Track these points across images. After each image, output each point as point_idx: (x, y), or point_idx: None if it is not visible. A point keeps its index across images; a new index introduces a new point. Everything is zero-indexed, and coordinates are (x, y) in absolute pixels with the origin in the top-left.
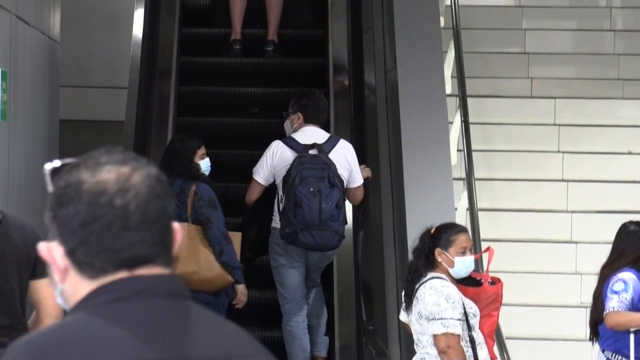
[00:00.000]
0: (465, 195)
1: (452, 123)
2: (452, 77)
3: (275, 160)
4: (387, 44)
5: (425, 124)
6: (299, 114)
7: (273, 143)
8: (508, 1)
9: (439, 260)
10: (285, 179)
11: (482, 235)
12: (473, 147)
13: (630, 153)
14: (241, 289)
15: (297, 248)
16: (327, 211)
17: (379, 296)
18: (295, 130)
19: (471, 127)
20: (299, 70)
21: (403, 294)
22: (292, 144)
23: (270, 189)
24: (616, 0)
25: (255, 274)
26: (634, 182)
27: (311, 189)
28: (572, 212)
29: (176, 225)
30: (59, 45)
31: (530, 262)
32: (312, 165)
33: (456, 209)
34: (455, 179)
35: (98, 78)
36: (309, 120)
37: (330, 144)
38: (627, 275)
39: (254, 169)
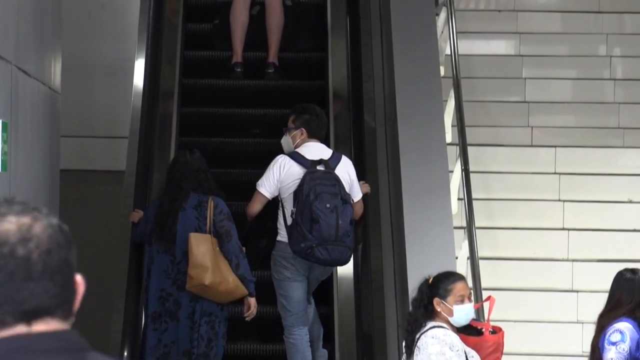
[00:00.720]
0: (466, 244)
1: (452, 172)
2: (452, 125)
3: (282, 174)
4: (387, 92)
5: (425, 172)
6: (303, 129)
7: (279, 157)
8: (508, 50)
9: (438, 309)
10: (296, 194)
11: (483, 284)
12: (474, 195)
13: (630, 202)
14: (253, 301)
15: (302, 262)
16: (343, 227)
17: (380, 345)
18: (297, 146)
19: (472, 175)
20: (299, 92)
21: (403, 344)
22: (299, 159)
23: (274, 202)
24: (616, 49)
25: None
26: (634, 230)
27: (327, 205)
28: (573, 260)
29: (79, 277)
30: (60, 96)
31: (532, 310)
32: (324, 181)
33: (457, 258)
34: (455, 227)
35: (99, 128)
36: (312, 135)
37: (335, 160)
38: (624, 325)
39: (259, 182)
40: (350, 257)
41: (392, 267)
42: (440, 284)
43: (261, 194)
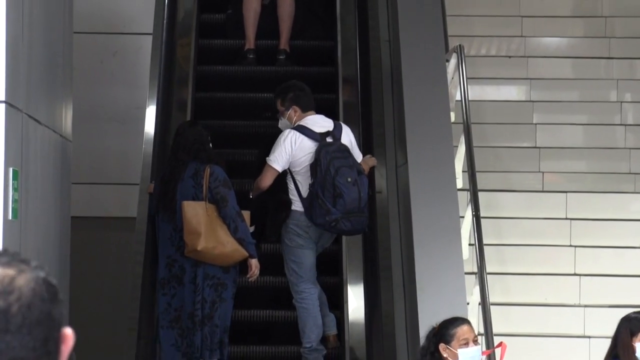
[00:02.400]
0: (477, 289)
1: (463, 217)
2: (463, 171)
3: (294, 149)
4: (398, 138)
5: (436, 217)
6: (294, 106)
7: (288, 132)
8: (519, 96)
9: (445, 355)
10: (313, 167)
11: (495, 330)
12: (485, 241)
13: None
14: (255, 262)
15: (315, 230)
16: (363, 198)
17: None
18: (296, 122)
19: (483, 221)
20: (310, 78)
21: None
22: (308, 132)
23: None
24: (627, 95)
25: (269, 260)
26: None
27: (349, 179)
28: (585, 306)
29: (68, 331)
30: (71, 143)
31: (544, 356)
32: (339, 154)
33: (468, 304)
34: (467, 273)
35: (110, 175)
36: (306, 109)
37: (338, 129)
38: None
39: (271, 157)
40: (367, 224)
41: (403, 312)
42: (445, 330)
43: (273, 168)
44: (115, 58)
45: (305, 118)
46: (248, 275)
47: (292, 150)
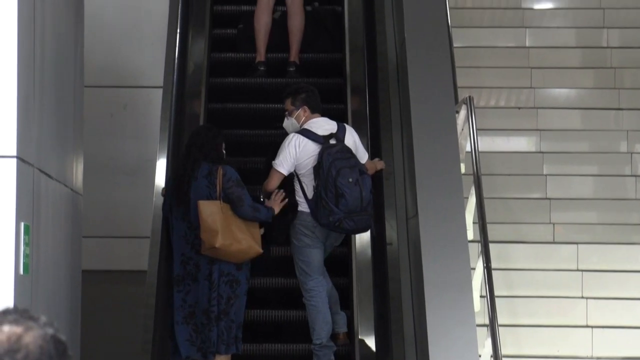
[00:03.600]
0: (489, 341)
1: (474, 269)
2: (473, 222)
3: (298, 152)
4: (408, 190)
5: (447, 270)
6: (304, 107)
7: (292, 136)
8: (529, 147)
9: None
10: (316, 169)
11: None
12: (496, 293)
13: None
14: (276, 208)
15: (321, 230)
16: (366, 198)
17: None
18: (303, 124)
19: (494, 272)
20: (319, 89)
21: None
22: (311, 136)
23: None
24: (637, 145)
25: (279, 262)
26: None
27: (350, 180)
28: (598, 358)
29: None
30: (82, 197)
31: None
32: (341, 155)
33: (480, 356)
34: (478, 325)
35: (120, 228)
36: (314, 110)
37: (342, 130)
38: None
39: (276, 162)
40: (372, 223)
41: None
42: None
43: (279, 172)
44: (126, 111)
45: (310, 121)
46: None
47: (296, 154)
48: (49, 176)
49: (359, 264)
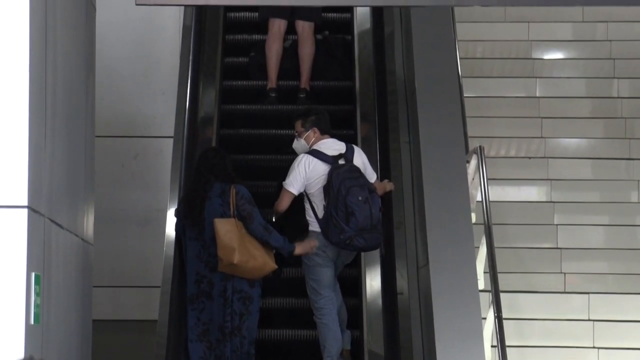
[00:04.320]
0: None
1: (485, 319)
2: (484, 272)
3: (308, 172)
4: (419, 239)
5: (458, 320)
6: (314, 128)
7: (302, 157)
8: (539, 197)
9: None
10: (326, 189)
11: None
12: (507, 342)
13: None
14: (298, 249)
15: (332, 249)
16: (375, 216)
17: None
18: (312, 145)
19: (505, 322)
20: (329, 115)
21: None
22: (321, 156)
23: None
24: None
25: (291, 283)
26: None
27: (360, 198)
28: None
29: None
30: (92, 247)
31: None
32: (350, 175)
33: None
34: None
35: (131, 277)
36: (324, 132)
37: (350, 151)
38: None
39: (287, 182)
40: (382, 241)
41: None
42: None
43: (289, 192)
44: (137, 161)
45: (320, 142)
46: (310, 246)
47: (306, 174)
48: (60, 226)
49: (369, 313)
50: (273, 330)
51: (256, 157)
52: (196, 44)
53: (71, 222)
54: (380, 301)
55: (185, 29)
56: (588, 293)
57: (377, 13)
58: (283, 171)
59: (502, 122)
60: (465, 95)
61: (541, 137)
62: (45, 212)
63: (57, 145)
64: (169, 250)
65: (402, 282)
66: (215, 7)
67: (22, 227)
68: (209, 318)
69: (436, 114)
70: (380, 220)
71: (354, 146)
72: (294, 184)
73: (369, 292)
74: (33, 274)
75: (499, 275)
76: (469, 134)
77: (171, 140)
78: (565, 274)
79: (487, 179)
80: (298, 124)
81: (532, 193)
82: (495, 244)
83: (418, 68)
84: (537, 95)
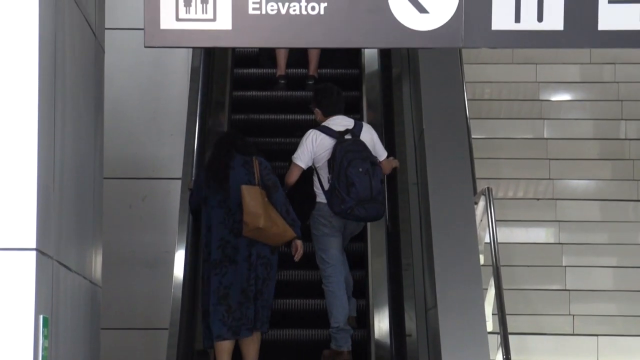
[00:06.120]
0: None
1: None
2: (493, 314)
3: (315, 146)
4: (427, 281)
5: None
6: (316, 109)
7: (310, 132)
8: (547, 238)
9: None
10: (330, 162)
11: None
12: None
13: None
14: (299, 243)
15: (338, 220)
16: (375, 187)
17: None
18: (321, 122)
19: None
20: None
21: None
22: (327, 131)
23: (308, 170)
24: None
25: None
26: None
27: (360, 169)
28: None
29: None
30: (100, 289)
31: None
32: (354, 148)
33: None
34: None
35: (139, 320)
36: (328, 113)
37: (358, 127)
38: None
39: (295, 156)
40: (384, 212)
41: None
42: None
43: (298, 165)
44: (145, 202)
45: (330, 118)
46: (295, 256)
47: (313, 148)
48: (68, 268)
49: (378, 358)
50: (286, 300)
51: (267, 140)
52: (204, 85)
53: (79, 264)
54: (389, 340)
55: (194, 70)
56: (597, 335)
57: (385, 54)
58: (292, 153)
59: (510, 164)
60: (473, 136)
61: (549, 179)
62: (53, 255)
63: (66, 187)
64: (177, 292)
65: (410, 324)
66: (223, 49)
67: (30, 269)
68: (230, 282)
69: (444, 155)
70: (382, 192)
71: (364, 123)
72: (301, 158)
73: (377, 332)
74: (41, 317)
75: (508, 317)
76: (477, 175)
77: (179, 182)
78: (573, 315)
79: (495, 221)
80: (312, 103)
81: (540, 234)
82: (504, 286)
83: (426, 109)
84: (545, 136)
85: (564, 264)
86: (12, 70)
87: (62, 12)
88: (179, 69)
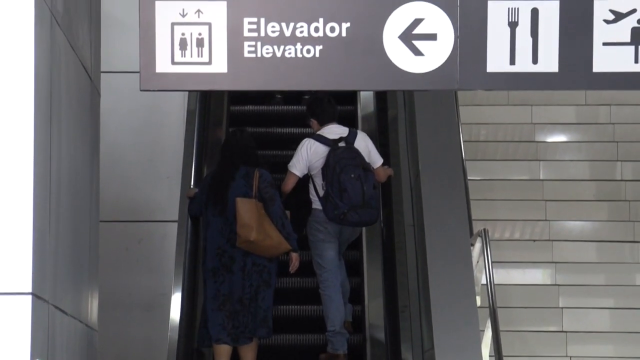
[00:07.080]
0: None
1: None
2: (490, 356)
3: (310, 154)
4: (424, 323)
5: None
6: (311, 119)
7: (305, 141)
8: (544, 280)
9: None
10: (324, 169)
11: None
12: None
13: None
14: (296, 255)
15: (334, 226)
16: (367, 192)
17: None
18: (317, 131)
19: None
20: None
21: None
22: (322, 139)
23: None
24: None
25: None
26: None
27: (352, 175)
28: None
29: None
30: (96, 332)
31: None
32: (346, 155)
33: None
34: None
35: None
36: (323, 122)
37: (352, 135)
38: None
39: (290, 164)
40: (378, 217)
41: None
42: None
43: (293, 173)
44: (141, 245)
45: (325, 127)
46: (290, 268)
47: (307, 156)
48: (64, 312)
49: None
50: (285, 307)
51: (264, 152)
52: (200, 127)
53: (75, 307)
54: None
55: (190, 113)
56: None
57: (381, 96)
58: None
59: (506, 205)
60: (469, 177)
61: (545, 220)
62: (49, 299)
63: (62, 230)
64: (174, 335)
65: None
66: (219, 91)
67: (26, 314)
68: (228, 290)
69: (440, 196)
70: (375, 197)
71: (359, 131)
72: (296, 166)
73: (372, 335)
74: None
75: (505, 359)
76: (473, 216)
77: (175, 225)
78: (570, 357)
79: (492, 262)
80: (307, 114)
81: (537, 276)
82: (501, 328)
83: (422, 150)
84: (541, 177)
85: (560, 306)
86: (7, 114)
87: (57, 55)
88: (174, 111)
